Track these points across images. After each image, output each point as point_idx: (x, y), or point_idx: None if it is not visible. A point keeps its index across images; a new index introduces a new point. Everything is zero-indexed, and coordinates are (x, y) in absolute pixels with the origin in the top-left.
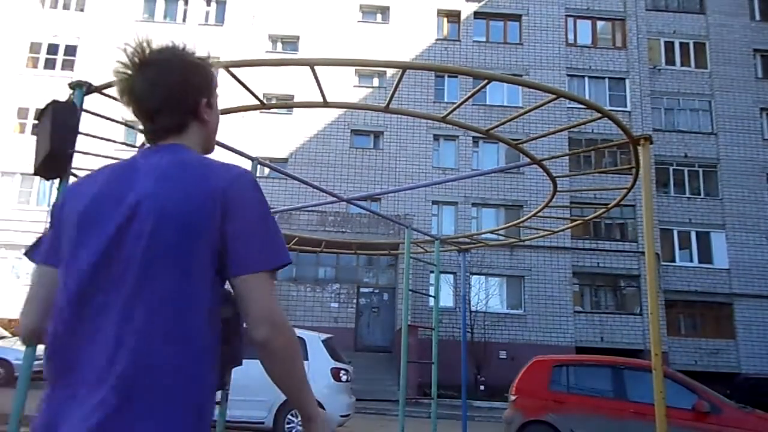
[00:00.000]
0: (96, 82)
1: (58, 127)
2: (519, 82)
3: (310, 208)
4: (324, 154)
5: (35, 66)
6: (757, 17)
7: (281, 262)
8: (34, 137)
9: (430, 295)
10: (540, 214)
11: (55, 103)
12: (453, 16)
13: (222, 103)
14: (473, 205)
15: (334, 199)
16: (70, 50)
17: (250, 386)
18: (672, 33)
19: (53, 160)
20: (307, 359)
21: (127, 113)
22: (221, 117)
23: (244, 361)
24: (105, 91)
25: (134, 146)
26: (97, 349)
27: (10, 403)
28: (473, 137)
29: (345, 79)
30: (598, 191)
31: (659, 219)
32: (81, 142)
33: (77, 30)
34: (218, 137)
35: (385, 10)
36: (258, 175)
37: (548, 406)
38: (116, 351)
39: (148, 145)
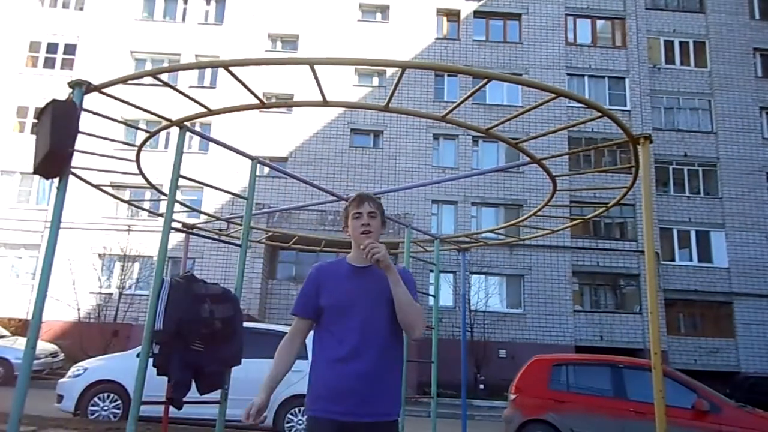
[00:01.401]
0: (95, 81)
1: (58, 127)
2: (518, 81)
3: (309, 208)
4: (324, 154)
5: (35, 65)
6: (757, 16)
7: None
8: (34, 136)
9: (430, 294)
10: (540, 213)
11: (55, 102)
12: (453, 15)
13: (221, 102)
14: (473, 204)
15: (334, 198)
16: (70, 49)
17: (250, 385)
18: (672, 32)
19: (53, 160)
20: (306, 358)
21: (126, 112)
22: (222, 116)
23: (243, 360)
24: (104, 90)
25: (134, 145)
26: None
27: (10, 402)
28: (473, 136)
29: (345, 78)
30: (598, 190)
31: (659, 218)
32: (80, 141)
33: (77, 29)
34: (219, 137)
35: (384, 9)
36: (258, 174)
37: (548, 405)
38: None
39: None
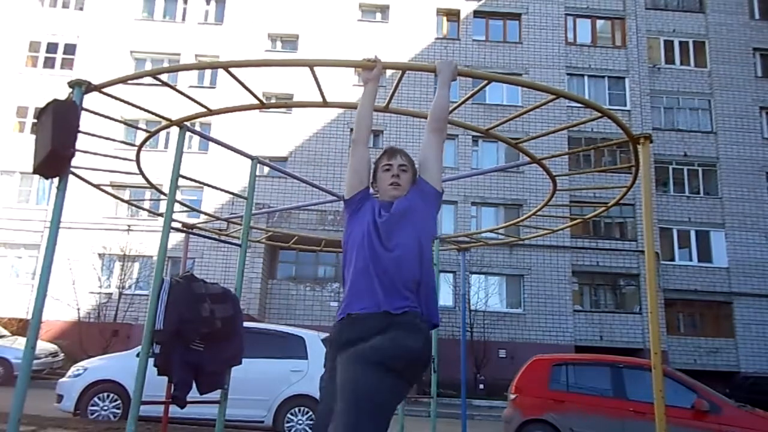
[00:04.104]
0: (95, 81)
1: (59, 126)
2: (518, 82)
3: (309, 207)
4: (324, 153)
5: (34, 65)
6: (757, 16)
7: None
8: (34, 136)
9: None
10: (539, 212)
11: (56, 101)
12: (452, 14)
13: (221, 102)
14: (473, 204)
15: (334, 198)
16: (70, 49)
17: (250, 385)
18: (671, 32)
19: (55, 160)
20: (306, 358)
21: (126, 112)
22: (222, 116)
23: (244, 360)
24: (104, 90)
25: (134, 145)
26: None
27: (10, 402)
28: (473, 136)
29: (345, 78)
30: (598, 190)
31: (658, 218)
32: (80, 141)
33: (76, 28)
34: (219, 137)
35: (384, 9)
36: (258, 174)
37: (547, 404)
38: None
39: None
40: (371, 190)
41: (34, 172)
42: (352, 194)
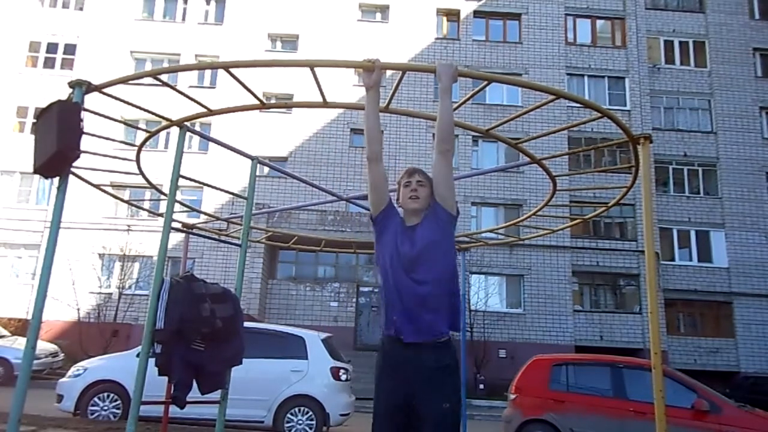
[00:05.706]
0: (95, 81)
1: (65, 127)
2: (518, 83)
3: (309, 207)
4: (324, 153)
5: (34, 65)
6: (757, 16)
7: None
8: (33, 136)
9: None
10: (539, 213)
11: (60, 102)
12: (452, 14)
13: (221, 102)
14: (473, 204)
15: (334, 198)
16: (70, 49)
17: (250, 385)
18: (671, 32)
19: (60, 160)
20: (306, 358)
21: (126, 112)
22: (222, 116)
23: (244, 360)
24: (104, 90)
25: (134, 145)
26: None
27: (10, 402)
28: (473, 136)
29: (345, 78)
30: (598, 190)
31: (658, 218)
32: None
33: (76, 29)
34: (219, 137)
35: (384, 9)
36: (258, 174)
37: (548, 405)
38: None
39: None
40: (395, 203)
41: (35, 172)
42: (377, 213)
